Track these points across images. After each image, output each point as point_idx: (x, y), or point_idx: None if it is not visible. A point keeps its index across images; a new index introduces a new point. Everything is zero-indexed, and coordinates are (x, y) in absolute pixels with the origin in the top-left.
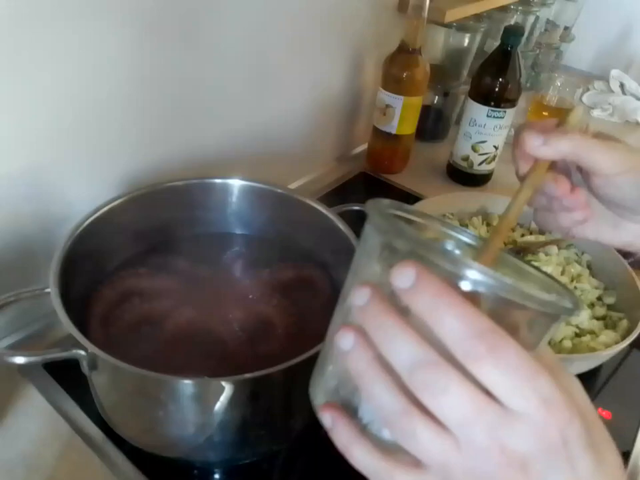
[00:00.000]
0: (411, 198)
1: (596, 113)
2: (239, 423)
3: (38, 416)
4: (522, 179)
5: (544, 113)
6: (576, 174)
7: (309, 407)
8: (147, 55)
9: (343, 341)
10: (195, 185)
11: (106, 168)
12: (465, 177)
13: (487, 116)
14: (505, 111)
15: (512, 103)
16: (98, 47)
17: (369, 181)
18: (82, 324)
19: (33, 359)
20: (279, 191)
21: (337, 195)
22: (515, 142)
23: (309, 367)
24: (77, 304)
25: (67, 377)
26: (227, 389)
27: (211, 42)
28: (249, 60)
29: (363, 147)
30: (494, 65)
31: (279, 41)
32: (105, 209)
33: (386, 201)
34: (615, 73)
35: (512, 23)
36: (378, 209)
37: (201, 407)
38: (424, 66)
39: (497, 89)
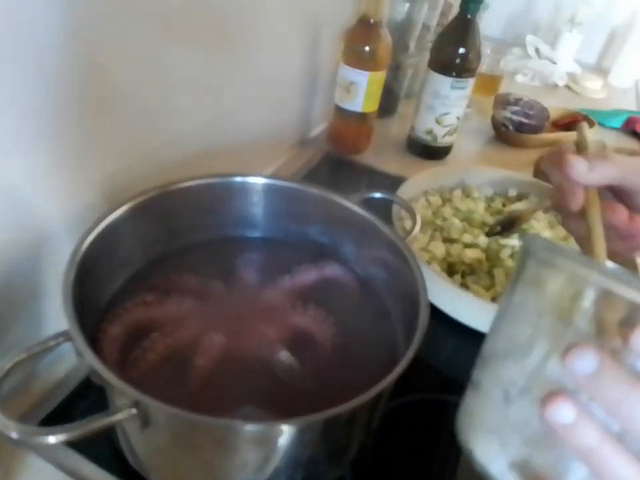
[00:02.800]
0: (380, 176)
1: (519, 78)
2: (301, 461)
3: None
4: (573, 215)
5: (477, 82)
6: (606, 193)
7: (366, 431)
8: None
9: (560, 412)
10: (211, 185)
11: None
12: (428, 151)
13: (451, 87)
14: (467, 81)
15: (473, 72)
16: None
17: (337, 163)
18: None
19: (69, 435)
20: (292, 185)
21: (310, 181)
22: (551, 175)
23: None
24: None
25: None
26: (295, 429)
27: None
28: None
29: (321, 127)
30: (454, 34)
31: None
32: (102, 225)
33: (542, 240)
34: (530, 38)
35: None
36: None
37: (263, 450)
38: (387, 38)
39: (458, 59)
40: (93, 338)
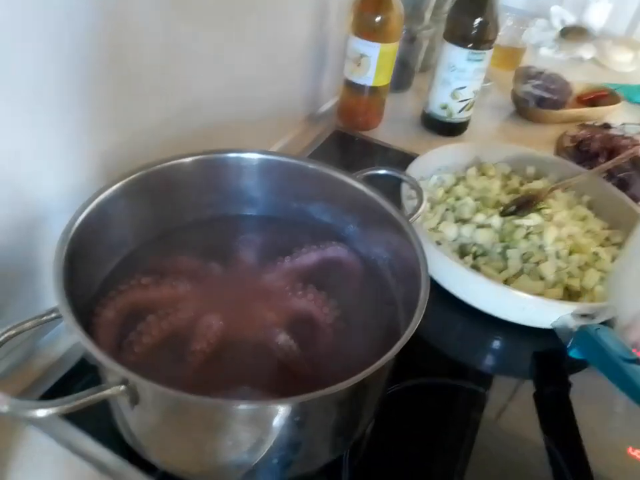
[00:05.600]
0: (393, 154)
1: (543, 51)
2: (300, 440)
3: (49, 463)
4: None
5: (498, 55)
6: None
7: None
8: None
9: None
10: (207, 161)
11: (82, 152)
12: (443, 126)
13: (467, 60)
14: (484, 53)
15: (490, 43)
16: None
17: (346, 139)
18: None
19: (58, 409)
20: (293, 161)
21: (317, 159)
22: None
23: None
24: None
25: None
26: (290, 408)
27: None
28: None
29: (332, 102)
30: (471, 3)
31: None
32: (94, 203)
33: None
34: (555, 9)
35: None
36: None
37: (258, 430)
38: (399, 8)
39: (475, 30)
40: (88, 321)
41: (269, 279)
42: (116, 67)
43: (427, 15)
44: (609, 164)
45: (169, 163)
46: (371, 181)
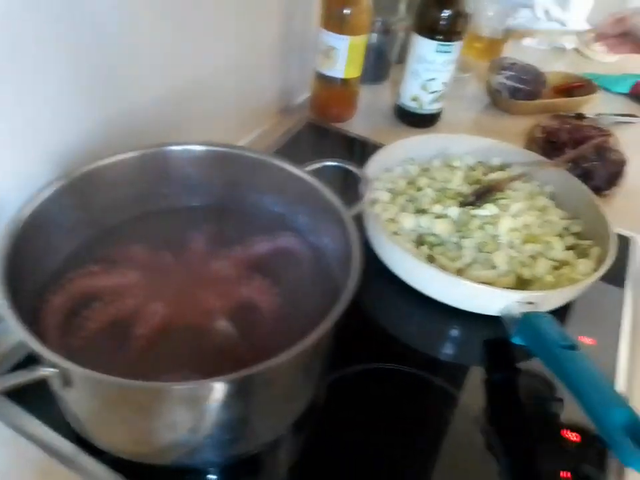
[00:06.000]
0: (364, 146)
1: (525, 42)
2: (235, 419)
3: None
4: None
5: (478, 45)
6: None
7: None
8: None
9: None
10: (149, 155)
11: (30, 145)
12: (415, 118)
13: (436, 51)
14: (453, 45)
15: (460, 35)
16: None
17: (318, 132)
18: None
19: None
20: (244, 153)
21: (286, 151)
22: None
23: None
24: (26, 316)
25: (23, 391)
26: (222, 388)
27: None
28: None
29: (305, 95)
30: None
31: None
32: (44, 195)
33: None
34: None
35: None
36: None
37: (194, 411)
38: (367, 1)
39: (443, 22)
40: (37, 307)
41: (218, 267)
42: (74, 58)
43: (402, 7)
44: (571, 154)
45: (114, 158)
46: (341, 174)
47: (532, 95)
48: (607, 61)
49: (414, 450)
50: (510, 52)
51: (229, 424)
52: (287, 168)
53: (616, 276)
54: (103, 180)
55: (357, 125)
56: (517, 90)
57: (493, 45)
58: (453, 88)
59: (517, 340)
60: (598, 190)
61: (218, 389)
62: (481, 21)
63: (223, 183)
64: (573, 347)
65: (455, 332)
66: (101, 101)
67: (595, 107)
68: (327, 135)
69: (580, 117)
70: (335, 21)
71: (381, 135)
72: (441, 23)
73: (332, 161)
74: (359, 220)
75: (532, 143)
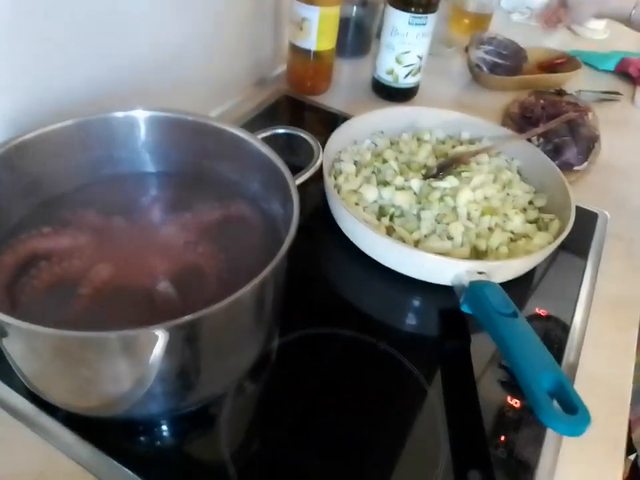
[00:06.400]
0: (338, 119)
1: (515, 17)
2: (177, 371)
3: None
4: None
5: (465, 20)
6: None
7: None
8: None
9: None
10: (92, 122)
11: None
12: (391, 92)
13: (409, 24)
14: (426, 17)
15: (433, 7)
16: None
17: (293, 104)
18: None
19: None
20: (192, 119)
21: (259, 121)
22: None
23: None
24: None
25: None
26: (158, 337)
27: None
28: None
29: (282, 67)
30: None
31: None
32: None
33: None
34: None
35: None
36: None
37: (134, 361)
38: None
39: None
40: None
41: (168, 233)
42: (40, 23)
43: None
44: (540, 129)
45: (63, 124)
46: (272, 138)
47: (512, 71)
48: (597, 38)
49: (362, 413)
50: (499, 28)
51: (172, 375)
52: (240, 135)
53: (580, 251)
54: (44, 148)
55: (334, 98)
56: (496, 65)
57: (480, 20)
58: (438, 63)
59: (464, 308)
60: (569, 165)
61: (153, 338)
62: None
63: (176, 150)
64: (513, 315)
65: (412, 302)
66: (63, 69)
67: (579, 83)
68: (302, 108)
69: (561, 93)
70: None
71: (357, 108)
72: None
73: (283, 128)
74: (322, 191)
75: (507, 118)
